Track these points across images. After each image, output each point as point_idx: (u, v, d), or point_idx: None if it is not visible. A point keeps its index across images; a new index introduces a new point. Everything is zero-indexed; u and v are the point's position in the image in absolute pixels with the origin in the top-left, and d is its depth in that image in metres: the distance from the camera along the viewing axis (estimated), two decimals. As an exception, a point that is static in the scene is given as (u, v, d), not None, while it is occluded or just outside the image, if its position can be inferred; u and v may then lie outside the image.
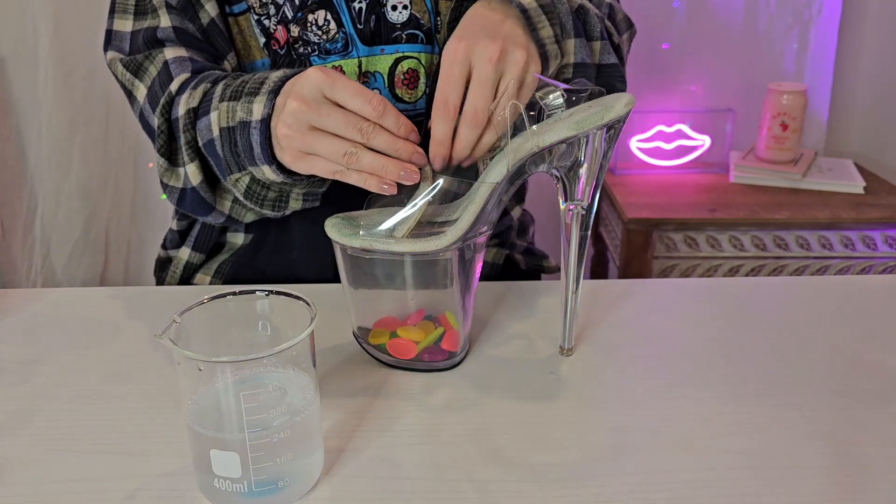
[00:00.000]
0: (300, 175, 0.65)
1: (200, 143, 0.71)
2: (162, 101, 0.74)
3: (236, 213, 0.77)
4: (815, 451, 0.52)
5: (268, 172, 0.65)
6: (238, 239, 0.88)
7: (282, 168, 0.64)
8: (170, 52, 0.76)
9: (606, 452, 0.52)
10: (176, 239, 0.89)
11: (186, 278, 0.88)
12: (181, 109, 0.71)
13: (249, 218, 0.78)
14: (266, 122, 0.63)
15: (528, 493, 0.49)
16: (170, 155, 0.74)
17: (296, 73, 0.62)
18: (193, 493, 0.48)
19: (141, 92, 0.77)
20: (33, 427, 0.55)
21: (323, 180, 0.69)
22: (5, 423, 0.56)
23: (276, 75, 0.65)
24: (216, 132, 0.68)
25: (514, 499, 0.48)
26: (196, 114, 0.71)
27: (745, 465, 0.51)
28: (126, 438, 0.54)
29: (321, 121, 0.58)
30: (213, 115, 0.68)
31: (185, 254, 0.88)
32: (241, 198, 0.71)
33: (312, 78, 0.58)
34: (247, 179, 0.68)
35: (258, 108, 0.63)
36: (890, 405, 0.58)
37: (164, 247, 0.91)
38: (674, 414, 0.57)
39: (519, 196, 0.98)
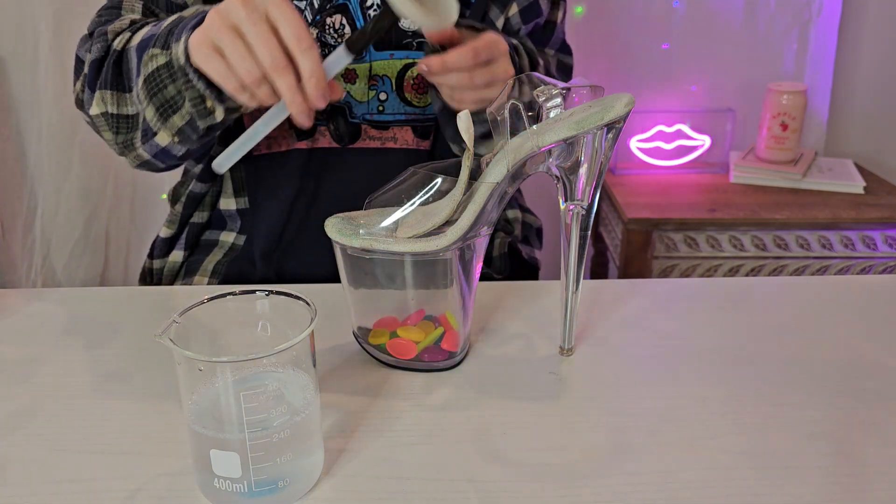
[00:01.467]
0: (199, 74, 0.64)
1: (131, 45, 0.71)
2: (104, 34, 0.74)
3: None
4: (815, 451, 0.52)
5: (182, 45, 0.64)
6: (230, 238, 0.88)
7: (187, 54, 0.64)
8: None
9: (606, 452, 0.52)
10: (164, 246, 0.89)
11: (182, 277, 0.89)
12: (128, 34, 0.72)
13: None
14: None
15: (528, 493, 0.49)
16: (117, 81, 0.72)
17: None
18: (193, 493, 0.48)
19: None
20: (33, 427, 0.55)
21: (207, 113, 0.67)
22: (5, 423, 0.56)
23: None
24: (166, 24, 0.68)
25: (514, 499, 0.48)
26: (145, 26, 0.72)
27: (745, 465, 0.51)
28: (126, 438, 0.54)
29: (247, 27, 0.58)
30: (172, 18, 0.69)
31: (177, 256, 0.89)
32: (141, 85, 0.69)
33: None
34: (160, 60, 0.66)
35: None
36: (890, 405, 0.58)
37: (150, 256, 0.91)
38: (674, 414, 0.57)
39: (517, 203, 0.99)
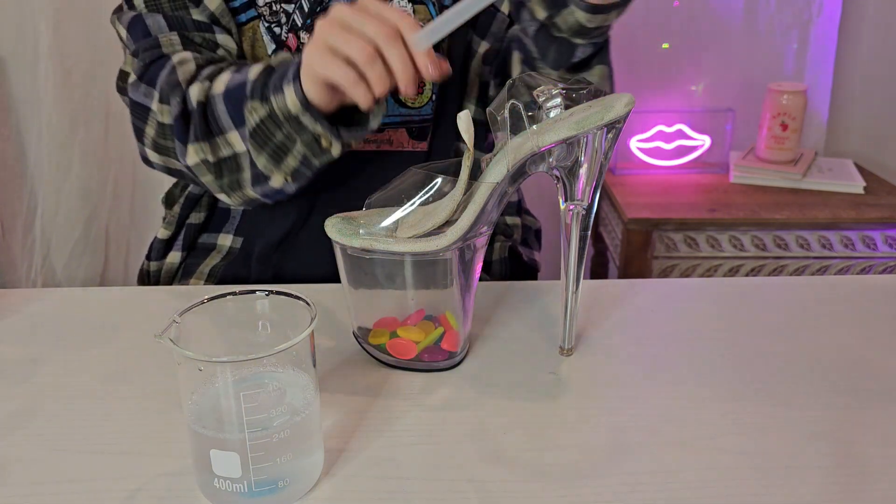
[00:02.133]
0: (316, 109, 0.66)
1: (213, 92, 0.72)
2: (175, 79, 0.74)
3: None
4: (815, 451, 0.52)
5: (289, 96, 0.66)
6: (227, 241, 0.88)
7: (303, 101, 0.66)
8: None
9: (606, 452, 0.52)
10: (162, 248, 0.90)
11: (179, 279, 0.89)
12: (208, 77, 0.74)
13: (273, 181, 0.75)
14: None
15: (528, 493, 0.49)
16: (205, 130, 0.73)
17: None
18: (193, 493, 0.48)
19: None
20: (33, 427, 0.55)
21: (322, 150, 0.69)
22: (5, 423, 0.56)
23: None
24: (254, 75, 0.69)
25: (514, 499, 0.48)
26: (220, 72, 0.73)
27: (745, 465, 0.51)
28: (126, 438, 0.54)
29: (356, 19, 0.61)
30: (260, 65, 0.70)
31: (174, 258, 0.89)
32: (248, 138, 0.70)
33: (343, 8, 0.62)
34: (263, 112, 0.68)
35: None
36: (890, 405, 0.58)
37: (148, 258, 0.91)
38: (674, 414, 0.57)
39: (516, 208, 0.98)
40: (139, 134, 0.78)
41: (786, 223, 1.47)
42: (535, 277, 0.98)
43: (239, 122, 0.70)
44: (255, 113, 0.69)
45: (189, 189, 0.89)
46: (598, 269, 1.81)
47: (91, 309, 0.73)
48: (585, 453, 0.52)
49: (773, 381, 0.61)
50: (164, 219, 0.91)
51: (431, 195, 0.58)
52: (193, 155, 0.73)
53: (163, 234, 0.90)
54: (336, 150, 0.70)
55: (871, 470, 0.51)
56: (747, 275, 1.52)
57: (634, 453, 0.52)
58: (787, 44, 1.73)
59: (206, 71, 0.74)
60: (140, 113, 0.77)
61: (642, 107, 1.74)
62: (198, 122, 0.72)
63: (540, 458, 0.52)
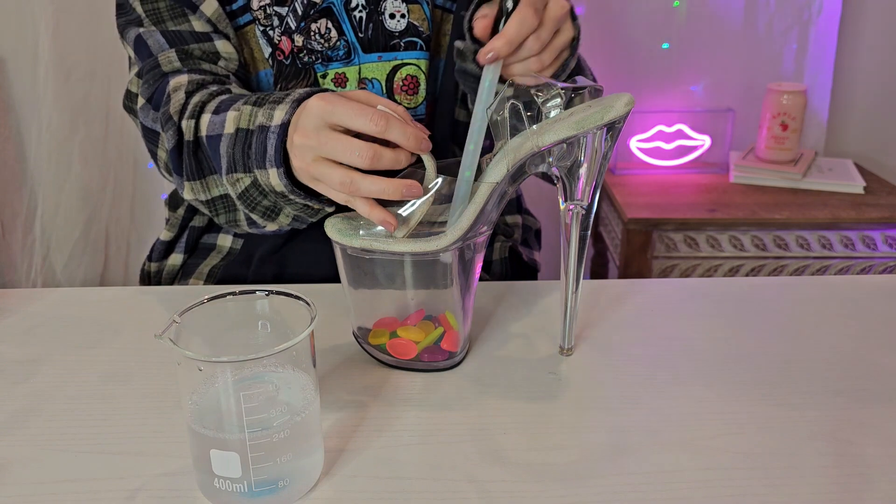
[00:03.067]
0: (301, 191, 0.64)
1: (200, 134, 0.70)
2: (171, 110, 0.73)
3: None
4: (815, 451, 0.52)
5: (273, 177, 0.63)
6: (227, 241, 0.88)
7: (288, 175, 0.63)
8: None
9: (606, 452, 0.52)
10: (164, 249, 0.90)
11: (178, 280, 0.89)
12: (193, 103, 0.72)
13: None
14: (285, 127, 0.62)
15: (528, 493, 0.49)
16: (199, 169, 0.72)
17: (315, 92, 0.61)
18: (193, 493, 0.48)
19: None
20: (33, 427, 0.55)
21: (316, 211, 0.68)
22: (5, 423, 0.56)
23: (301, 90, 0.65)
24: (230, 129, 0.67)
25: (514, 499, 0.48)
26: (203, 108, 0.71)
27: (745, 465, 0.51)
28: (126, 438, 0.54)
29: (323, 150, 0.57)
30: (232, 115, 0.67)
31: (176, 259, 0.89)
32: (235, 199, 0.70)
33: (313, 108, 0.58)
34: (247, 181, 0.67)
35: (279, 115, 0.63)
36: (890, 405, 0.58)
37: (149, 258, 0.91)
38: (674, 414, 0.57)
39: (517, 206, 0.98)
40: (153, 156, 0.77)
41: (786, 223, 1.47)
42: (535, 277, 0.98)
43: (225, 170, 0.69)
44: (240, 182, 0.67)
45: None
46: (598, 269, 1.81)
47: (91, 309, 0.73)
48: (585, 453, 0.52)
49: (773, 381, 0.61)
50: (168, 220, 0.91)
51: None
52: (189, 192, 0.72)
53: (165, 235, 0.90)
54: (331, 209, 0.67)
55: (870, 470, 0.51)
56: (747, 275, 1.52)
57: (634, 453, 0.52)
58: (787, 44, 1.73)
59: (194, 100, 0.72)
60: (151, 137, 0.76)
61: (642, 107, 1.74)
62: (188, 162, 0.71)
63: (540, 458, 0.52)
